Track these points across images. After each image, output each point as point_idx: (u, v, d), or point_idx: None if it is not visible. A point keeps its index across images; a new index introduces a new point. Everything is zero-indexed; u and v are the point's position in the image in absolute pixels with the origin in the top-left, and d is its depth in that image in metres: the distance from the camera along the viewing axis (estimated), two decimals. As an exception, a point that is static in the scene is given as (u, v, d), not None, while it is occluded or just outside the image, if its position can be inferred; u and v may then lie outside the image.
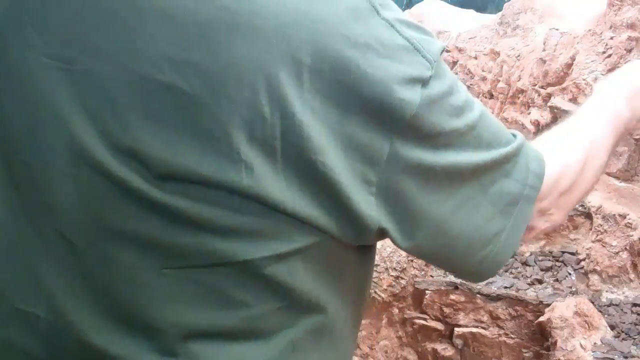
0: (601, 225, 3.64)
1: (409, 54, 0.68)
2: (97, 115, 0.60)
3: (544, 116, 4.65)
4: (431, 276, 3.62)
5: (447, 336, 3.63)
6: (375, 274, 3.13)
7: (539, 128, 4.73)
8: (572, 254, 3.95)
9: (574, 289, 3.46)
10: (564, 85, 4.31)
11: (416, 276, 3.44)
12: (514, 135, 0.81)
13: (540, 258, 4.00)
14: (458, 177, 0.72)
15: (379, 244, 3.74)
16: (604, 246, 3.57)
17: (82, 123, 0.60)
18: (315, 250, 0.69)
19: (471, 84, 5.98)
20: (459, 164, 0.71)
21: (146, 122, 0.59)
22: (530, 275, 3.88)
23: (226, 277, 0.65)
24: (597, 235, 3.68)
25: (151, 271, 0.64)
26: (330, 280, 0.73)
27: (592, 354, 2.90)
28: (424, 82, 0.68)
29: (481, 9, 6.50)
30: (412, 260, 3.42)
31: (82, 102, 0.60)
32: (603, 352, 2.94)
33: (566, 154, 0.86)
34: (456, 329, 3.56)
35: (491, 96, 5.66)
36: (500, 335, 3.56)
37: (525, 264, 3.94)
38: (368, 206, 0.67)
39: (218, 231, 0.63)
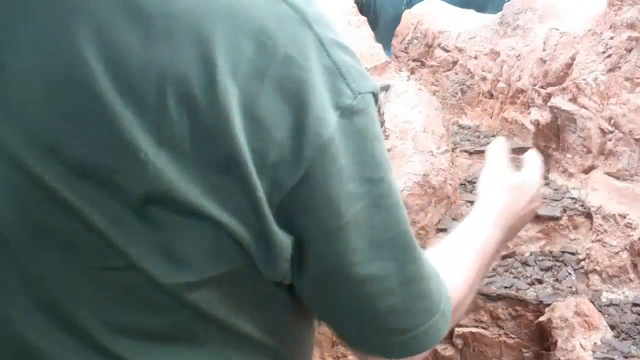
0: (601, 225, 3.64)
1: (332, 77, 0.63)
2: (19, 112, 0.58)
3: (544, 116, 4.65)
4: (431, 276, 3.62)
5: (447, 336, 3.62)
6: (375, 274, 3.13)
7: (539, 128, 4.74)
8: (572, 254, 3.95)
9: (574, 289, 3.46)
10: (564, 85, 4.31)
11: (416, 276, 3.44)
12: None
13: (540, 258, 4.00)
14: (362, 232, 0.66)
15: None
16: (604, 246, 3.57)
17: (4, 119, 0.59)
18: (233, 279, 0.65)
19: (471, 84, 5.98)
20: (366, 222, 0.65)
21: (64, 120, 0.57)
22: (530, 275, 3.88)
23: (145, 281, 0.62)
24: (597, 235, 3.68)
25: (74, 270, 0.63)
26: (256, 313, 0.69)
27: (592, 354, 2.90)
28: (343, 110, 0.63)
29: (481, 9, 6.50)
30: (412, 260, 3.42)
31: (4, 98, 0.59)
32: (603, 352, 2.94)
33: (457, 290, 0.82)
34: (456, 329, 3.56)
35: (491, 96, 5.66)
36: (500, 335, 3.56)
37: (525, 264, 3.94)
38: (274, 222, 0.62)
39: None
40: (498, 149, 1.12)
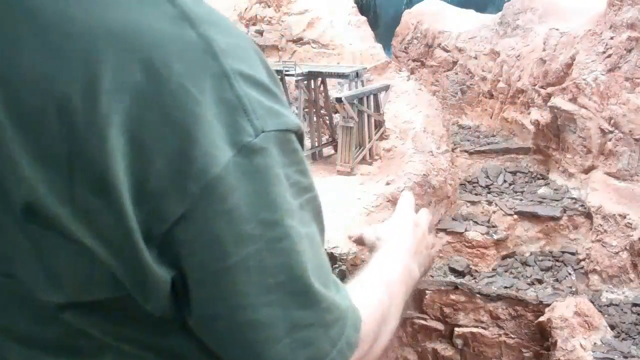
0: (601, 225, 3.64)
1: (232, 112, 0.58)
2: None
3: (544, 116, 4.65)
4: (431, 276, 3.62)
5: (447, 336, 3.63)
6: (375, 274, 3.13)
7: (539, 128, 4.75)
8: (572, 254, 3.96)
9: (574, 289, 3.46)
10: (564, 85, 4.32)
11: (416, 276, 3.44)
12: (337, 284, 0.70)
13: (540, 258, 4.00)
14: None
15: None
16: (604, 246, 3.57)
17: None
18: (116, 306, 0.61)
19: (471, 84, 5.99)
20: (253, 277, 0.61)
21: None
22: (530, 275, 3.89)
23: (27, 292, 0.61)
24: (597, 235, 3.68)
25: None
26: (151, 341, 0.65)
27: (592, 354, 2.90)
28: (240, 148, 0.58)
29: (481, 9, 6.50)
30: (412, 260, 3.42)
31: None
32: (603, 352, 2.94)
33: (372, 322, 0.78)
34: (456, 329, 3.56)
35: (491, 96, 5.66)
36: (500, 335, 3.56)
37: (525, 264, 3.95)
38: (149, 255, 0.58)
39: None
40: (406, 202, 1.11)
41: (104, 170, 0.55)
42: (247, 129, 0.59)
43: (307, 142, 4.62)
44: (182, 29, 0.59)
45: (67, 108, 0.55)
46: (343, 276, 3.07)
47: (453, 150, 4.67)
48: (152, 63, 0.57)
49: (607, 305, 3.37)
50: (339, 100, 3.98)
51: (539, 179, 4.38)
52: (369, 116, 4.27)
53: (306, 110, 4.52)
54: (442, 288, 3.55)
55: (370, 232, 1.07)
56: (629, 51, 3.67)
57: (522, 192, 4.25)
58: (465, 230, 3.85)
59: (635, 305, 3.35)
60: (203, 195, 0.57)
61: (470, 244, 3.81)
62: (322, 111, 4.63)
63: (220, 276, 0.60)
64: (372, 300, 0.81)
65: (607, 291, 3.49)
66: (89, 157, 0.56)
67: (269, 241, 0.61)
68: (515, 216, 3.90)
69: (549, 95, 4.32)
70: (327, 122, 4.68)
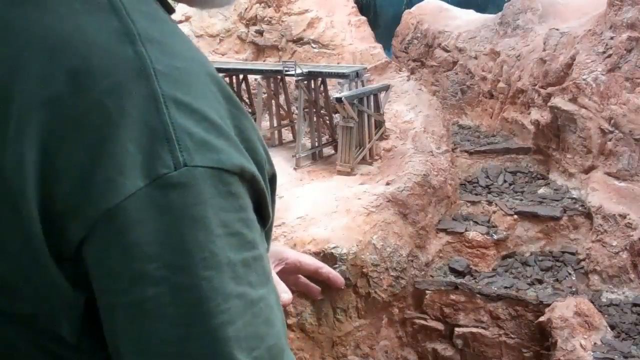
0: (601, 225, 3.64)
1: (154, 140, 0.53)
2: None
3: (544, 116, 4.65)
4: (431, 276, 3.62)
5: (447, 336, 3.63)
6: (375, 274, 3.13)
7: (539, 128, 4.74)
8: (572, 254, 3.95)
9: (574, 289, 3.46)
10: (564, 85, 4.31)
11: (416, 276, 3.44)
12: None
13: (540, 258, 4.00)
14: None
15: (378, 243, 3.72)
16: (604, 246, 3.57)
17: None
18: (33, 323, 0.59)
19: (471, 84, 5.98)
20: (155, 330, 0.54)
21: None
22: (530, 275, 3.88)
23: None
24: (597, 235, 3.68)
25: None
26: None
27: (592, 354, 2.90)
28: (154, 179, 0.53)
29: (481, 9, 6.50)
30: (412, 261, 3.42)
31: None
32: (603, 352, 2.94)
33: None
34: (456, 329, 3.56)
35: (491, 96, 5.66)
36: (500, 335, 3.56)
37: (525, 264, 3.95)
38: (60, 276, 0.55)
39: None
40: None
41: (14, 185, 0.53)
42: (166, 160, 0.53)
43: (307, 142, 4.62)
44: (118, 45, 0.56)
45: None
46: (344, 277, 3.07)
47: (453, 150, 4.66)
48: (77, 75, 0.54)
49: (607, 305, 3.37)
50: (339, 100, 3.98)
51: (539, 179, 4.38)
52: (369, 116, 4.27)
53: (306, 110, 4.52)
54: (442, 288, 3.55)
55: None
56: (629, 51, 3.68)
57: (522, 192, 4.25)
58: (466, 230, 3.86)
59: (635, 305, 3.35)
60: (101, 223, 0.53)
61: (470, 244, 3.81)
62: (322, 111, 4.63)
63: (117, 311, 0.55)
64: None
65: (607, 291, 3.49)
66: (1, 167, 0.54)
67: (173, 288, 0.54)
68: (516, 216, 3.90)
69: (549, 95, 4.32)
70: (327, 122, 4.68)
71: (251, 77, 5.05)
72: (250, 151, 0.58)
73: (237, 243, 0.56)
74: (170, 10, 0.64)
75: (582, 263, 3.70)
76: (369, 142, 4.14)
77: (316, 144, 4.51)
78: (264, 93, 4.86)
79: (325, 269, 0.99)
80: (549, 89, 4.34)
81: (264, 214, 0.61)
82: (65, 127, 0.53)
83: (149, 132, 0.53)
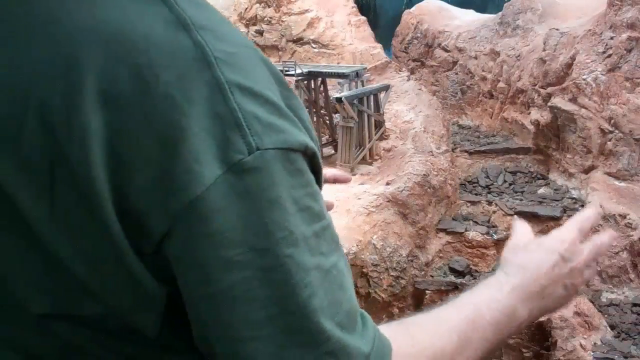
0: (601, 225, 3.64)
1: (224, 126, 0.53)
2: None
3: (544, 116, 4.65)
4: (431, 276, 3.62)
5: (447, 336, 3.63)
6: (375, 274, 3.13)
7: (539, 128, 4.74)
8: (572, 254, 3.95)
9: (574, 289, 3.46)
10: (564, 85, 4.31)
11: (416, 276, 3.44)
12: (364, 325, 0.61)
13: (540, 258, 4.00)
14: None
15: (378, 243, 3.71)
16: (604, 246, 3.57)
17: None
18: (105, 322, 0.59)
19: (471, 84, 5.98)
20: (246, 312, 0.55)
21: None
22: (530, 275, 3.88)
23: (16, 303, 0.60)
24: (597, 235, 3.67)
25: None
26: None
27: (592, 354, 2.90)
28: (230, 165, 0.53)
29: (481, 9, 6.50)
30: (412, 261, 3.42)
31: None
32: (603, 352, 2.94)
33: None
34: (456, 329, 3.56)
35: (491, 96, 5.66)
36: (500, 335, 3.56)
37: (525, 264, 3.94)
38: (143, 272, 0.55)
39: None
40: (523, 227, 0.88)
41: (87, 185, 0.52)
42: (239, 146, 0.53)
43: (307, 142, 4.64)
44: (175, 35, 0.55)
45: (49, 116, 0.53)
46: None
47: (453, 150, 4.67)
48: (139, 70, 0.53)
49: (607, 305, 3.37)
50: (339, 100, 3.98)
51: (539, 179, 4.38)
52: (369, 116, 4.27)
53: (306, 110, 4.53)
54: (442, 288, 3.54)
55: (516, 242, 0.85)
56: (629, 51, 3.67)
57: (522, 192, 4.25)
58: (466, 230, 3.86)
59: (635, 305, 3.35)
60: (184, 216, 0.53)
61: (470, 244, 3.81)
62: (322, 111, 4.63)
63: (206, 301, 0.56)
64: (431, 346, 0.69)
65: (607, 291, 3.49)
66: (72, 168, 0.53)
67: (260, 270, 0.55)
68: (515, 216, 3.91)
69: (549, 95, 4.32)
70: (327, 122, 4.68)
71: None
72: (306, 129, 0.59)
73: (308, 217, 0.57)
74: None
75: (582, 263, 3.70)
76: (369, 142, 4.14)
77: (316, 144, 4.51)
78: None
79: (329, 173, 0.96)
80: (549, 89, 4.34)
81: (320, 186, 0.62)
82: (133, 123, 0.53)
83: (219, 120, 0.53)
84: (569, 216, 3.81)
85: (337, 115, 4.52)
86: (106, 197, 0.52)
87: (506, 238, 3.95)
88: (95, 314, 0.57)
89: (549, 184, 4.31)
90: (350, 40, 5.24)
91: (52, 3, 0.56)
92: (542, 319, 3.31)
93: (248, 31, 5.76)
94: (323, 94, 4.62)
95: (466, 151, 4.84)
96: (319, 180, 0.61)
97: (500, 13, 5.28)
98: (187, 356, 0.61)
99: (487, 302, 0.75)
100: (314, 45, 5.47)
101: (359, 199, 3.47)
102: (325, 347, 0.57)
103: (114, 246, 0.53)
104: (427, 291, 3.57)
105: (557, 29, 4.39)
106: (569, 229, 0.84)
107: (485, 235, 3.85)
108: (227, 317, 0.55)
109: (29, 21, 0.56)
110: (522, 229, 0.89)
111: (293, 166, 0.56)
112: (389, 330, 0.64)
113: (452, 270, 3.69)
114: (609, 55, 3.77)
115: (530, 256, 0.82)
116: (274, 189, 0.55)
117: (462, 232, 3.84)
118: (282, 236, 0.55)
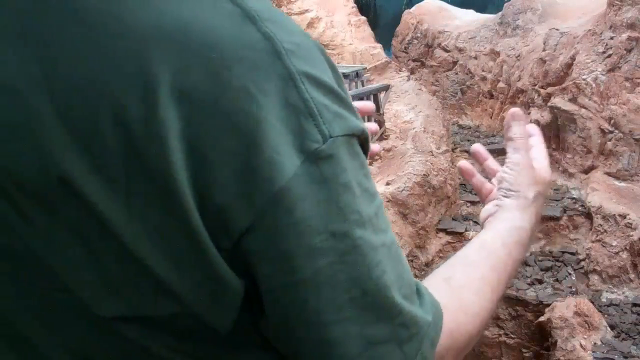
0: (601, 225, 3.64)
1: (298, 116, 0.54)
2: None
3: (544, 116, 4.65)
4: (431, 276, 3.62)
5: (447, 336, 3.62)
6: (375, 274, 3.14)
7: (539, 128, 4.73)
8: (572, 254, 3.96)
9: (574, 289, 3.46)
10: (564, 85, 4.32)
11: (416, 276, 3.44)
12: (420, 293, 0.64)
13: (540, 258, 4.00)
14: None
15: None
16: (604, 246, 3.57)
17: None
18: (180, 323, 0.58)
19: (471, 84, 5.98)
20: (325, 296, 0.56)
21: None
22: (530, 275, 3.88)
23: (83, 308, 0.59)
24: (597, 235, 3.68)
25: (22, 288, 0.61)
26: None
27: (592, 354, 2.90)
28: (308, 154, 0.54)
29: (481, 9, 6.50)
30: (412, 261, 3.42)
31: None
32: (603, 352, 2.94)
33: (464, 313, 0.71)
34: (456, 329, 3.56)
35: (491, 96, 5.66)
36: (500, 335, 3.56)
37: (525, 264, 3.94)
38: (223, 267, 0.55)
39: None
40: (520, 131, 0.94)
41: (166, 183, 0.52)
42: (314, 135, 0.55)
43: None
44: (242, 27, 0.55)
45: (123, 115, 0.52)
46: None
47: (453, 150, 4.67)
48: (211, 64, 0.53)
49: (607, 305, 3.37)
50: (339, 100, 3.99)
51: (539, 179, 4.39)
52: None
53: (306, 110, 4.54)
54: (442, 288, 3.54)
55: (498, 180, 0.95)
56: (629, 51, 3.68)
57: (522, 192, 4.26)
58: (466, 230, 3.86)
59: (635, 305, 3.35)
60: (269, 207, 0.54)
61: (470, 244, 3.81)
62: (322, 111, 4.64)
63: (290, 290, 0.56)
64: (470, 304, 0.73)
65: (607, 291, 3.49)
66: (149, 167, 0.52)
67: (340, 254, 0.56)
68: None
69: (549, 95, 4.32)
70: (327, 122, 4.69)
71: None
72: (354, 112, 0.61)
73: (368, 198, 0.59)
74: None
75: (582, 263, 3.70)
76: (369, 142, 4.14)
77: (316, 144, 4.51)
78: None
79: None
80: (549, 89, 4.34)
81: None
82: (210, 117, 0.53)
83: (293, 110, 0.54)
84: (569, 216, 3.82)
85: (337, 115, 4.52)
86: (187, 194, 0.52)
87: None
88: (169, 315, 0.57)
89: (549, 184, 4.32)
90: (350, 40, 5.24)
91: (108, 1, 0.55)
92: (542, 319, 3.31)
93: (248, 31, 5.77)
94: (323, 94, 4.62)
95: (466, 151, 4.84)
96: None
97: (500, 13, 5.28)
98: (258, 354, 0.62)
99: (516, 239, 0.82)
100: (314, 45, 5.47)
101: (359, 199, 3.48)
102: (399, 319, 0.60)
103: (195, 243, 0.53)
104: (427, 291, 3.56)
105: (557, 29, 4.39)
106: (521, 138, 0.94)
107: (485, 235, 3.85)
108: (314, 303, 0.56)
109: (89, 20, 0.54)
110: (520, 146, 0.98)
111: (354, 150, 0.59)
112: (437, 292, 0.67)
113: (452, 270, 3.69)
114: (609, 55, 3.77)
115: (528, 180, 0.91)
116: (345, 174, 0.57)
117: (462, 232, 3.85)
118: (354, 219, 0.57)
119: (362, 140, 0.60)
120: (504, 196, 0.91)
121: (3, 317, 0.62)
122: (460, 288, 0.74)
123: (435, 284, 0.71)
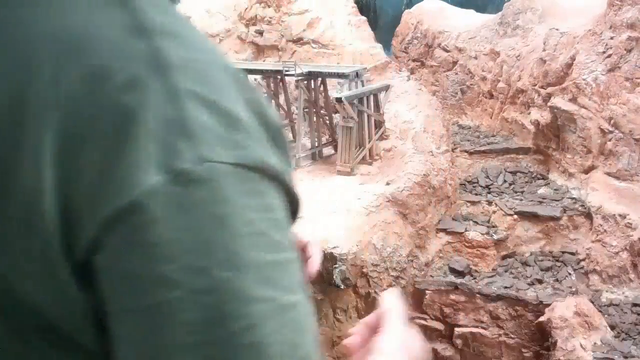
0: (601, 225, 3.64)
1: (171, 133, 0.51)
2: None
3: (544, 116, 4.65)
4: (431, 276, 3.62)
5: (447, 336, 3.62)
6: (375, 274, 3.13)
7: (539, 128, 4.74)
8: (572, 254, 3.95)
9: (574, 289, 3.46)
10: (564, 85, 4.31)
11: (416, 276, 3.44)
12: None
13: (540, 258, 4.00)
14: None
15: (378, 243, 3.72)
16: (604, 246, 3.56)
17: None
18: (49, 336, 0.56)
19: (471, 84, 5.98)
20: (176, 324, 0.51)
21: None
22: (530, 275, 3.88)
23: None
24: (597, 235, 3.68)
25: None
26: None
27: (592, 354, 2.90)
28: (174, 174, 0.50)
29: (481, 9, 6.50)
30: (412, 261, 3.42)
31: None
32: (603, 352, 2.93)
33: None
34: (456, 329, 3.56)
35: (491, 96, 5.66)
36: (500, 335, 3.56)
37: (525, 264, 3.94)
38: (74, 284, 0.52)
39: None
40: (392, 301, 0.80)
41: (31, 186, 0.51)
42: (185, 154, 0.50)
43: (307, 142, 4.62)
44: (130, 39, 0.53)
45: None
46: (344, 277, 3.07)
47: (453, 150, 4.67)
48: (91, 73, 0.52)
49: (607, 305, 3.37)
50: (339, 100, 3.99)
51: (539, 179, 4.38)
52: (369, 116, 4.28)
53: (306, 110, 4.53)
54: (442, 288, 3.55)
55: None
56: (629, 51, 3.68)
57: (522, 192, 4.26)
58: (465, 230, 3.87)
59: (635, 305, 3.36)
60: (116, 223, 0.50)
61: (470, 244, 3.82)
62: (322, 111, 4.63)
63: (128, 317, 0.51)
64: None
65: (607, 291, 3.50)
66: (17, 172, 0.51)
67: (193, 291, 0.50)
68: (515, 216, 3.91)
69: (549, 95, 4.33)
70: (327, 122, 4.69)
71: (251, 77, 5.06)
72: (276, 138, 0.56)
73: (263, 244, 0.52)
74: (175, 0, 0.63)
75: (582, 263, 3.70)
76: (369, 142, 4.14)
77: (316, 144, 4.51)
78: (264, 93, 4.87)
79: (311, 249, 0.87)
80: (549, 89, 4.35)
81: (294, 218, 0.57)
82: (83, 125, 0.51)
83: (168, 128, 0.51)
84: (569, 216, 3.82)
85: (337, 115, 4.52)
86: (50, 203, 0.51)
87: (506, 238, 3.96)
88: (47, 327, 0.55)
89: (548, 184, 4.32)
90: (350, 40, 5.24)
91: (10, 7, 0.56)
92: (542, 319, 3.31)
93: (248, 31, 5.76)
94: (323, 94, 4.62)
95: (466, 151, 4.84)
96: (294, 211, 0.57)
97: (500, 13, 5.29)
98: None
99: None
100: (313, 45, 5.47)
101: (359, 199, 3.47)
102: None
103: (50, 252, 0.51)
104: (427, 291, 3.57)
105: (557, 29, 4.40)
106: (395, 318, 0.73)
107: (485, 235, 3.85)
108: (151, 338, 0.51)
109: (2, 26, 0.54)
110: (391, 312, 0.80)
111: (250, 185, 0.53)
112: None
113: (452, 270, 3.70)
114: (609, 55, 3.78)
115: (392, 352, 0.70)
116: (222, 206, 0.51)
117: (462, 232, 3.85)
118: (222, 257, 0.51)
119: (281, 183, 0.54)
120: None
121: None
122: None
123: None
